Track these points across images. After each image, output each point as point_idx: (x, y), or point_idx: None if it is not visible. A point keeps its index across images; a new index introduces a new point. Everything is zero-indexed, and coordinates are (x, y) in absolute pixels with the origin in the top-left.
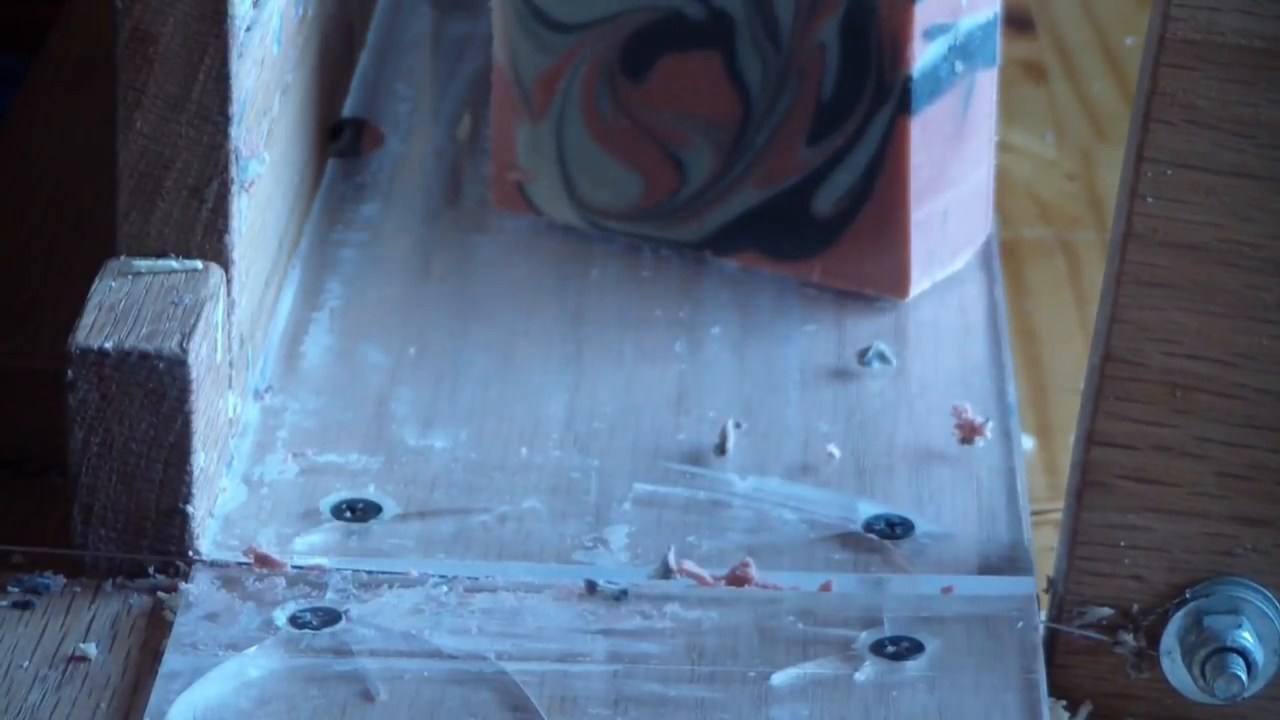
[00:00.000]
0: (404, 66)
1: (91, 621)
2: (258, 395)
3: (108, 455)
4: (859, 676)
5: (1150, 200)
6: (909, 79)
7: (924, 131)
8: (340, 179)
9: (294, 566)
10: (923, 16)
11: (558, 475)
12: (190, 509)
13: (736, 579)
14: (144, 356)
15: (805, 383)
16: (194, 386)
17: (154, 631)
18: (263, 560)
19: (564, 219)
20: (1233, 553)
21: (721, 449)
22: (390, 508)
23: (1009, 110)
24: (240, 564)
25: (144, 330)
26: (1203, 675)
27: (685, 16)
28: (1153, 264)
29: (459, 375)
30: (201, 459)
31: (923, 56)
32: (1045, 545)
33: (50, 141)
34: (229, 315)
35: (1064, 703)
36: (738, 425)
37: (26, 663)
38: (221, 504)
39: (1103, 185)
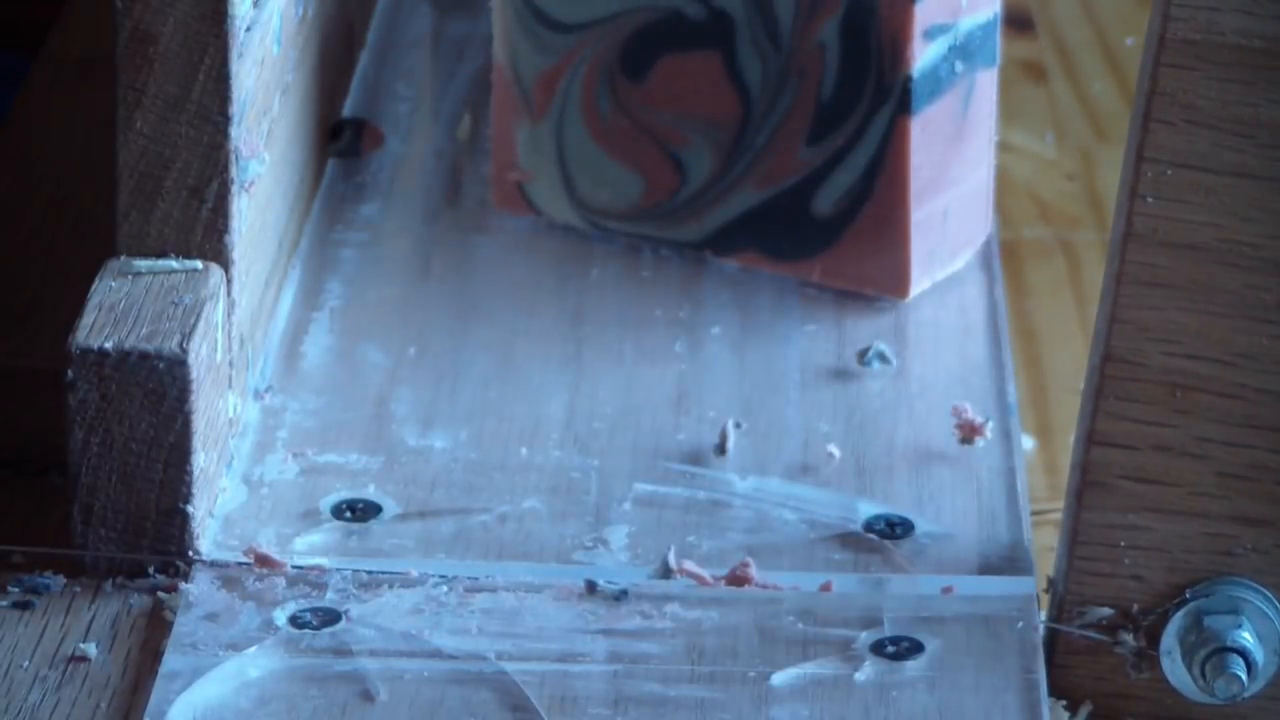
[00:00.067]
0: (404, 66)
1: (91, 621)
2: (258, 395)
3: (108, 455)
4: (859, 676)
5: (1150, 200)
6: (909, 79)
7: (924, 131)
8: (340, 179)
9: (294, 566)
10: (923, 16)
11: (558, 475)
12: (190, 509)
13: (736, 579)
14: (144, 356)
15: (805, 383)
16: (194, 386)
17: (154, 631)
18: (263, 560)
19: (564, 219)
20: (1233, 553)
21: (721, 449)
22: (390, 508)
23: (1009, 110)
24: (240, 564)
25: (144, 330)
26: (1203, 675)
27: (685, 16)
28: (1153, 264)
29: (459, 375)
30: (201, 459)
31: (923, 56)
32: (1045, 545)
33: (50, 141)
34: (229, 315)
35: (1064, 703)
36: (738, 425)
37: (26, 663)
38: (221, 504)
39: (1103, 185)
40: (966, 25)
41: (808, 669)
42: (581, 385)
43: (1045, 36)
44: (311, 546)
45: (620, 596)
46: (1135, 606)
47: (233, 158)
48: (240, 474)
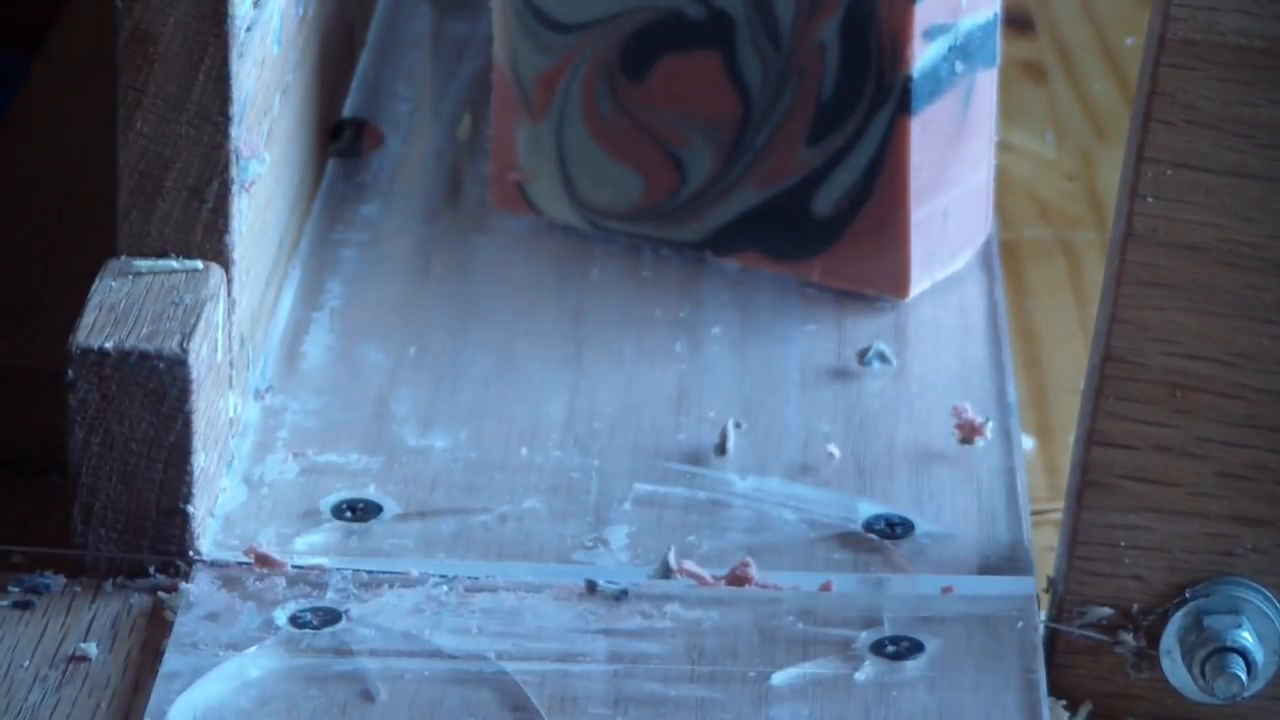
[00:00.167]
0: (404, 66)
1: (92, 621)
2: (258, 395)
3: (108, 455)
4: (859, 676)
5: (1150, 200)
6: (909, 79)
7: (924, 131)
8: (340, 179)
9: (294, 566)
10: (923, 16)
11: (558, 475)
12: (190, 509)
13: (736, 579)
14: (144, 356)
15: (805, 383)
16: (194, 386)
17: (154, 631)
18: (263, 560)
19: (564, 219)
20: (1233, 553)
21: (721, 449)
22: (390, 508)
23: (1009, 110)
24: (240, 564)
25: (144, 330)
26: (1203, 675)
27: (685, 16)
28: (1153, 264)
29: (459, 375)
30: (202, 459)
31: (923, 56)
32: (1045, 545)
33: (50, 141)
34: (229, 315)
35: (1064, 702)
36: (738, 425)
37: (27, 662)
38: (222, 504)
39: (1103, 185)
40: (966, 25)
41: (808, 669)
42: (582, 385)
43: (1045, 36)
44: (312, 546)
45: (620, 596)
46: (1135, 606)
47: (233, 158)
48: (240, 474)
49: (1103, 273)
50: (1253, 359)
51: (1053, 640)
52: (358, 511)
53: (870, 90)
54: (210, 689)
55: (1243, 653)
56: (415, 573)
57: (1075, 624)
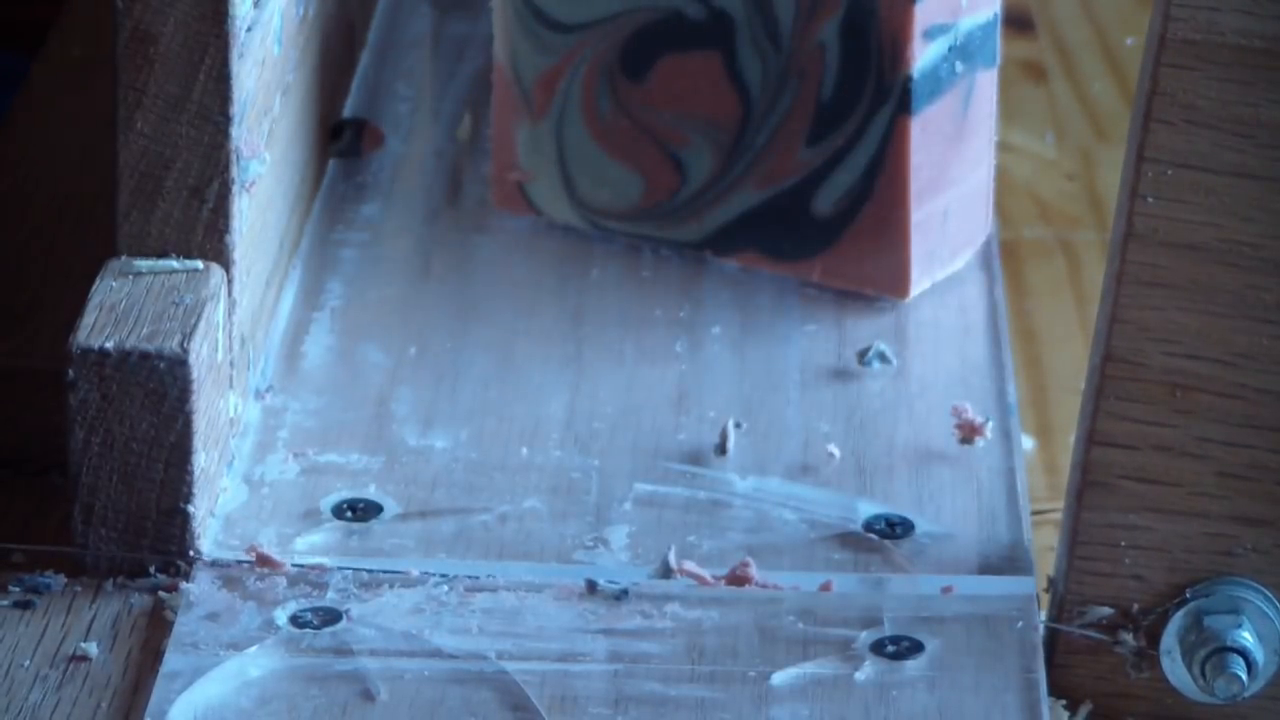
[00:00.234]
0: (404, 66)
1: (92, 621)
2: (258, 395)
3: (108, 455)
4: (859, 676)
5: (1150, 200)
6: (909, 79)
7: (924, 131)
8: (341, 179)
9: (295, 566)
10: (923, 16)
11: (558, 475)
12: (191, 509)
13: (737, 579)
14: (145, 356)
15: (805, 383)
16: (195, 386)
17: (155, 631)
18: (263, 560)
19: (564, 219)
20: (1233, 553)
21: (722, 449)
22: (391, 507)
23: (1009, 110)
24: (241, 563)
25: (145, 330)
26: (1203, 675)
27: (685, 17)
28: (1153, 264)
29: (459, 375)
30: (202, 459)
31: (923, 56)
32: (1045, 545)
33: (50, 141)
34: (230, 315)
35: (1064, 702)
36: (738, 425)
37: (27, 662)
38: (222, 504)
39: (1103, 185)
40: (966, 25)
41: (808, 669)
42: (582, 385)
43: (1045, 36)
44: (312, 546)
45: (620, 596)
46: (1135, 606)
47: (233, 158)
48: (241, 474)
49: (1103, 273)
50: (1253, 359)
51: (1053, 640)
52: (358, 511)
53: (870, 90)
54: (211, 689)
55: (1243, 653)
56: (415, 573)
57: (1075, 623)
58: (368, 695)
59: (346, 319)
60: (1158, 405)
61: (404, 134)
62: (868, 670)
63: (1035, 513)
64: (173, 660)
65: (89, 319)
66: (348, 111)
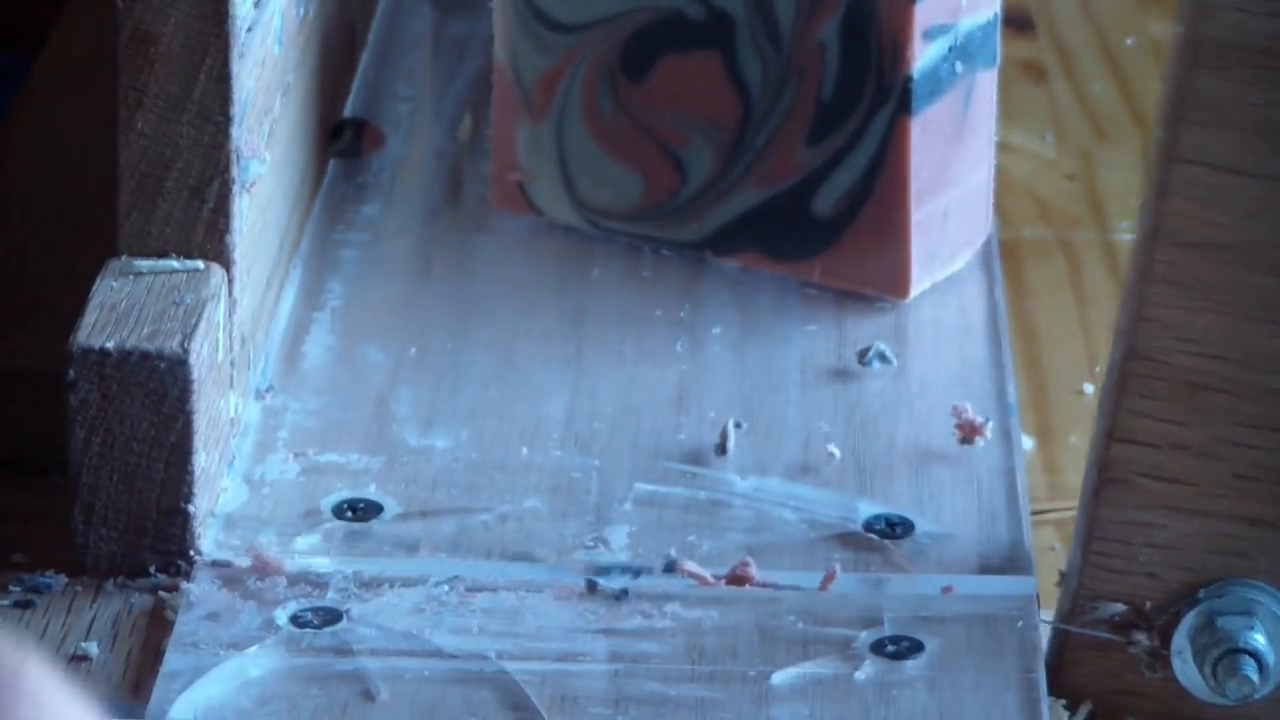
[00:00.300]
0: (405, 67)
1: (93, 621)
2: (259, 395)
3: (109, 455)
4: (859, 676)
5: (1178, 200)
6: (909, 79)
7: (924, 132)
8: (341, 179)
9: (295, 566)
10: (923, 17)
11: (558, 475)
12: (191, 508)
13: (737, 578)
14: (145, 356)
15: (805, 383)
16: (195, 386)
17: (155, 631)
18: (264, 560)
19: (564, 219)
20: (1247, 554)
21: (722, 449)
22: (391, 507)
23: (1009, 110)
24: (241, 563)
25: (145, 330)
26: (1214, 676)
27: (685, 17)
28: (1179, 264)
29: (460, 375)
30: (203, 459)
31: (923, 57)
32: (1045, 545)
33: (50, 141)
34: (230, 315)
35: (1064, 702)
36: (738, 425)
37: None
38: (223, 503)
39: (1103, 185)
40: (966, 25)
41: (808, 669)
42: (582, 385)
43: (1045, 36)
44: (312, 546)
45: (620, 596)
46: (1148, 604)
47: (234, 158)
48: (241, 473)
49: (1101, 272)
50: (1274, 361)
51: (1062, 636)
52: (358, 511)
53: (870, 90)
54: (211, 688)
55: (1255, 654)
56: (416, 573)
57: (1087, 619)
58: (368, 695)
59: (347, 319)
60: (1178, 404)
61: (404, 134)
62: (868, 670)
63: (1035, 513)
64: (173, 660)
65: (89, 319)
66: (348, 112)
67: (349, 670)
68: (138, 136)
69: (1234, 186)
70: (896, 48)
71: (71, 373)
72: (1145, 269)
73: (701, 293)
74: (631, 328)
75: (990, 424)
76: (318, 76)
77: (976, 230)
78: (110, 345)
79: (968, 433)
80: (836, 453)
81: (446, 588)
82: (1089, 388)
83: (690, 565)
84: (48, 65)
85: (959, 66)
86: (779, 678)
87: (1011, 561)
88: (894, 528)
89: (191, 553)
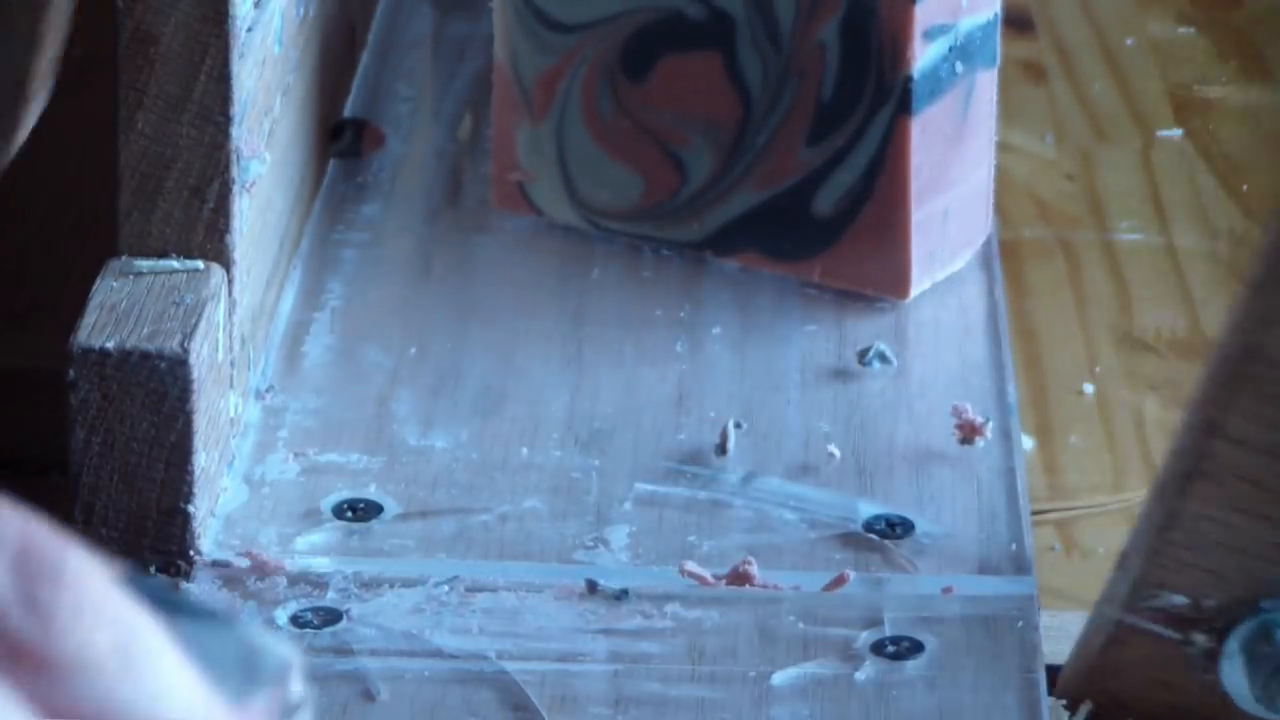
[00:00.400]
0: (405, 67)
1: None
2: (259, 395)
3: (109, 455)
4: (859, 676)
5: None
6: (909, 79)
7: (924, 132)
8: (341, 179)
9: (295, 566)
10: (923, 17)
11: (558, 475)
12: (191, 509)
13: (739, 577)
14: (145, 356)
15: (805, 383)
16: (195, 386)
17: None
18: (263, 560)
19: (564, 219)
20: None
21: (722, 449)
22: (391, 507)
23: (1009, 110)
24: (241, 564)
25: (145, 330)
26: (1264, 687)
27: (685, 17)
28: None
29: (460, 375)
30: (203, 459)
31: (923, 57)
32: (1045, 545)
33: (50, 141)
34: (230, 315)
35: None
36: (738, 425)
37: None
38: (223, 504)
39: (1102, 185)
40: (966, 25)
41: (808, 669)
42: (582, 385)
43: (1045, 36)
44: (313, 546)
45: (621, 596)
46: (1209, 603)
47: (234, 158)
48: (241, 474)
49: (1100, 271)
50: None
51: (1120, 624)
52: (358, 511)
53: (870, 90)
54: None
55: None
56: (416, 573)
57: (1146, 605)
58: (368, 695)
59: (347, 319)
60: None
61: (404, 134)
62: (868, 670)
63: (1035, 513)
64: None
65: (90, 319)
66: (348, 112)
67: (349, 670)
68: (138, 136)
69: None
70: (896, 48)
71: (71, 373)
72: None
73: (701, 293)
74: (631, 328)
75: (990, 424)
76: (318, 76)
77: (976, 230)
78: (110, 345)
79: (968, 433)
80: (836, 453)
81: (446, 588)
82: (1089, 388)
83: (691, 565)
84: None
85: (959, 66)
86: (779, 678)
87: (1011, 561)
88: (894, 528)
89: (191, 553)
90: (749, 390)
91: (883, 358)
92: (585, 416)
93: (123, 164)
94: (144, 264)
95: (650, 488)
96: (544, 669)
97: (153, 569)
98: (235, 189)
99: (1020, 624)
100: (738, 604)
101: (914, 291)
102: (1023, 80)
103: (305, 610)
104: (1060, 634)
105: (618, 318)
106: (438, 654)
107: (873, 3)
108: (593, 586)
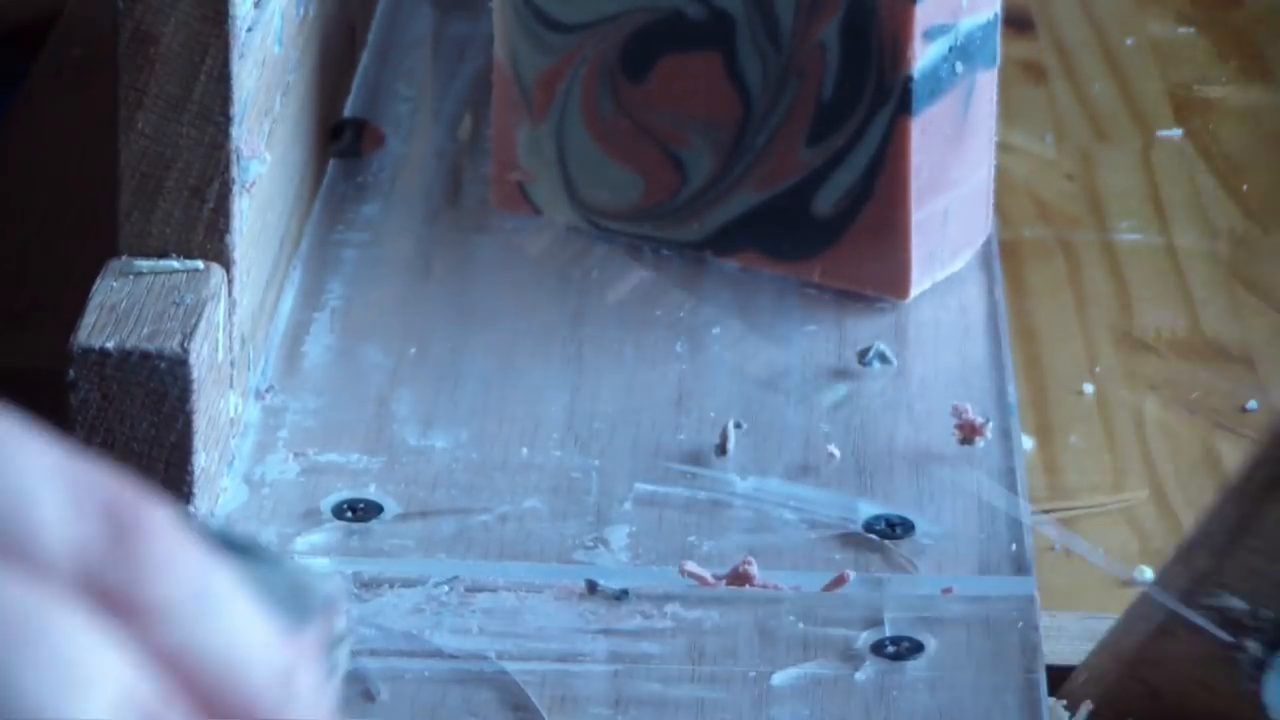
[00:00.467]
0: (405, 67)
1: None
2: (259, 395)
3: (109, 455)
4: (859, 676)
5: None
6: (909, 79)
7: (924, 132)
8: (341, 179)
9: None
10: (923, 17)
11: (558, 475)
12: (191, 509)
13: (739, 577)
14: (145, 356)
15: (805, 383)
16: (195, 386)
17: None
18: None
19: (564, 219)
20: None
21: (722, 449)
22: (391, 507)
23: (1009, 110)
24: None
25: (145, 330)
26: None
27: (685, 17)
28: None
29: (460, 375)
30: (203, 459)
31: (923, 57)
32: (1045, 545)
33: (50, 141)
34: (230, 315)
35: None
36: (738, 425)
37: None
38: (223, 504)
39: (1102, 185)
40: (966, 25)
41: (808, 669)
42: (582, 385)
43: (1045, 36)
44: (313, 546)
45: (621, 596)
46: (1266, 614)
47: (234, 158)
48: (241, 474)
49: (1100, 271)
50: None
51: (1163, 605)
52: (358, 511)
53: (870, 90)
54: None
55: None
56: (416, 573)
57: (1203, 601)
58: (368, 695)
59: (347, 319)
60: None
61: (404, 134)
62: (868, 670)
63: (1035, 513)
64: None
65: (90, 319)
66: (348, 111)
67: (349, 670)
68: (138, 136)
69: None
70: (897, 48)
71: (71, 373)
72: None
73: (701, 293)
74: (631, 328)
75: (990, 424)
76: (318, 76)
77: (976, 230)
78: (110, 345)
79: (968, 433)
80: (836, 453)
81: (446, 588)
82: (1089, 388)
83: (691, 565)
84: (48, 65)
85: (959, 67)
86: (779, 678)
87: (1011, 562)
88: (894, 528)
89: None
90: (749, 390)
91: (883, 358)
92: (585, 417)
93: (123, 164)
94: (144, 264)
95: (650, 488)
96: (544, 669)
97: None
98: (235, 189)
99: (1020, 624)
100: (738, 604)
101: (914, 291)
102: (1023, 80)
103: None
104: (1060, 634)
105: (617, 318)
106: (438, 654)
107: (873, 3)
108: (593, 587)
